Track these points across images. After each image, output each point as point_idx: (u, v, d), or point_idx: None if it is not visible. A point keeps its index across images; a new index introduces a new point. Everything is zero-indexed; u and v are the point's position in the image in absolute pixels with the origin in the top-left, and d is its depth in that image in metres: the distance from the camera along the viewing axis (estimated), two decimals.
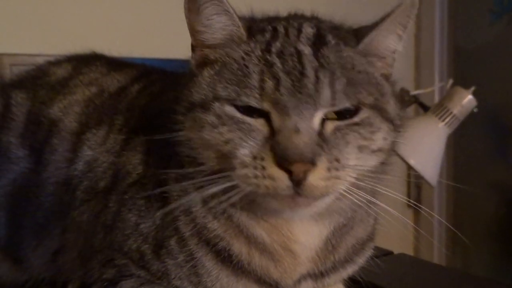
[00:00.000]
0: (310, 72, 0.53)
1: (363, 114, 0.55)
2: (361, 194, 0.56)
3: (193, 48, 0.61)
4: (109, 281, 0.66)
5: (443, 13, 2.02)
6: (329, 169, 0.51)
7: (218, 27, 0.58)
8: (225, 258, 0.60)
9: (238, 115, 0.54)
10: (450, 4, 2.01)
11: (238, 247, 0.60)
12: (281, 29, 0.58)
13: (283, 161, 0.50)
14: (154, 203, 0.64)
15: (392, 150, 0.60)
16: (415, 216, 2.22)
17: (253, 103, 0.53)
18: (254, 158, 0.52)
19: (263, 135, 0.53)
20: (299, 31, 0.58)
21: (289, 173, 0.50)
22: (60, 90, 0.81)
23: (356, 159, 0.55)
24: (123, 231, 0.65)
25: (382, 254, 0.89)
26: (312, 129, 0.52)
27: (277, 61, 0.54)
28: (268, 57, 0.54)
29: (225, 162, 0.54)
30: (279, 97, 0.52)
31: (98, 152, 0.74)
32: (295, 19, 0.61)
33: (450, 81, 1.59)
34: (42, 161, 0.76)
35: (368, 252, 0.70)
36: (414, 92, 1.63)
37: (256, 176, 0.52)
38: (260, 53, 0.55)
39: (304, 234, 0.61)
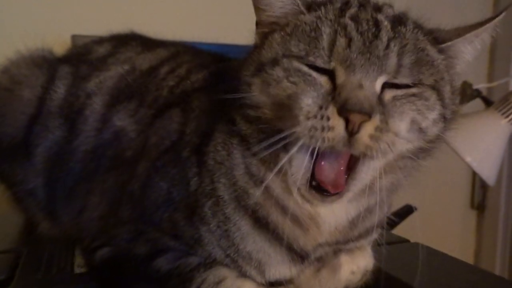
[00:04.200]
0: (383, 37, 0.56)
1: (422, 88, 0.58)
2: (393, 177, 0.61)
3: (257, 24, 0.65)
4: (143, 257, 0.69)
5: None
6: (378, 128, 0.54)
7: (277, 6, 0.62)
8: (263, 225, 0.63)
9: (305, 68, 0.57)
10: None
11: (276, 216, 0.63)
12: (355, 2, 0.61)
13: (343, 110, 0.53)
14: (190, 169, 0.67)
15: (435, 142, 0.61)
16: (479, 219, 2.10)
17: (320, 63, 0.56)
18: (320, 108, 0.55)
19: (325, 89, 0.56)
20: (378, 9, 0.61)
21: (346, 122, 0.53)
22: (98, 67, 0.88)
23: (405, 132, 0.57)
24: (154, 201, 0.69)
25: (398, 241, 0.87)
26: (374, 89, 0.55)
27: (350, 23, 0.57)
28: (342, 20, 0.57)
29: (289, 119, 0.56)
30: (349, 54, 0.55)
31: (126, 123, 0.79)
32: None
33: None
34: (74, 131, 0.83)
35: (375, 235, 0.72)
36: (477, 86, 1.52)
37: (322, 128, 0.54)
38: (333, 17, 0.58)
39: (330, 215, 0.64)
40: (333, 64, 0.56)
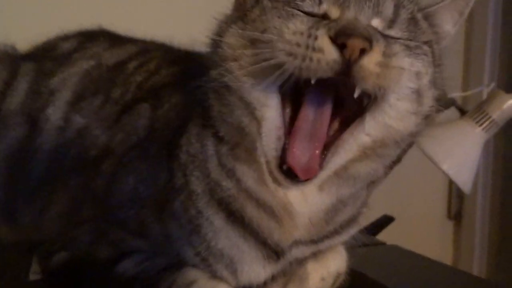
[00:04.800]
0: None
1: (419, 43, 0.55)
2: (371, 166, 0.57)
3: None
4: (106, 261, 0.66)
5: (497, 11, 1.89)
6: (385, 54, 0.48)
7: None
8: (237, 219, 0.60)
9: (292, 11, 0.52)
10: (504, 2, 1.87)
11: (250, 210, 0.60)
12: None
13: (339, 35, 0.47)
14: (160, 164, 0.64)
15: (425, 120, 0.58)
16: (456, 229, 2.10)
17: (308, 6, 0.52)
18: (309, 28, 0.49)
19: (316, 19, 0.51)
20: None
21: (342, 49, 0.47)
22: (63, 63, 0.85)
23: (406, 82, 0.52)
24: (119, 197, 0.66)
25: (375, 243, 0.86)
26: (371, 24, 0.52)
27: None
28: None
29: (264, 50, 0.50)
30: None
31: (90, 121, 0.76)
32: None
33: (492, 85, 1.50)
34: (37, 129, 0.79)
35: (352, 230, 0.69)
36: (452, 95, 1.54)
37: (307, 46, 0.47)
38: None
39: (303, 203, 0.60)
40: (324, 6, 0.52)
